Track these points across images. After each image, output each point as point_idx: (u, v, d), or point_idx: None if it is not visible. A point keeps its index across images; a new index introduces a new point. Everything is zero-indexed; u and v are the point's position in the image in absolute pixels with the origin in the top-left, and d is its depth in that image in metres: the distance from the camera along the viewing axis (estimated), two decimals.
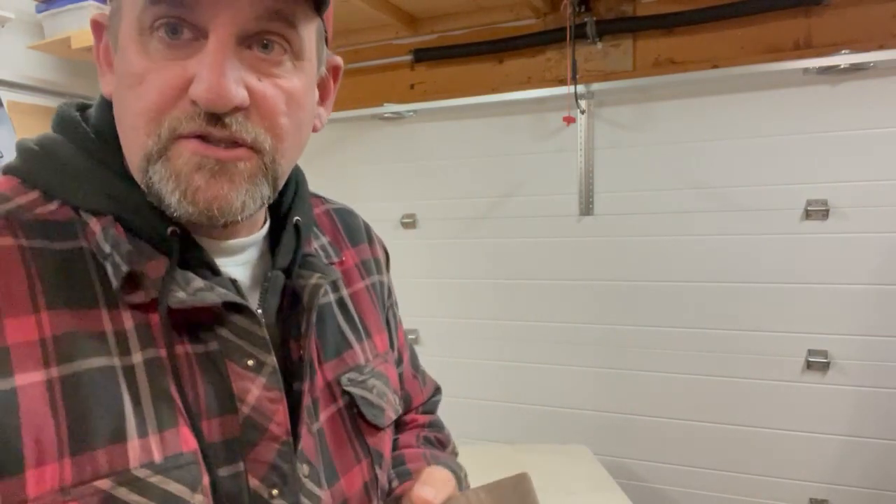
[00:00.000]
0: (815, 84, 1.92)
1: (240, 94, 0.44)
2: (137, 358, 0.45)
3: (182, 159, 0.44)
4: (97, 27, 0.51)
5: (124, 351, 0.44)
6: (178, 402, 0.45)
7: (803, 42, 1.93)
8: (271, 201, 0.51)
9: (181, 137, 0.44)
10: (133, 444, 0.42)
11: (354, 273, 0.67)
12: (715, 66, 2.01)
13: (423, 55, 2.36)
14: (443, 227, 2.43)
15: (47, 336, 0.42)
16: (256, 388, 0.48)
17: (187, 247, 0.49)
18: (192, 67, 0.43)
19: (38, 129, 2.47)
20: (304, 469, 0.50)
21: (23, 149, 0.50)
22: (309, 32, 0.48)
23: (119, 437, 0.42)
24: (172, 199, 0.45)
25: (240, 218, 0.47)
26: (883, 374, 1.91)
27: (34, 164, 0.48)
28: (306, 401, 0.52)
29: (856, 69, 1.84)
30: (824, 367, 1.96)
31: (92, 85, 2.73)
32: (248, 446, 0.47)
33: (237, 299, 0.48)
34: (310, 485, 0.51)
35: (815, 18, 1.91)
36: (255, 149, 0.46)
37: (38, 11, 2.25)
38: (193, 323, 0.48)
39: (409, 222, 2.46)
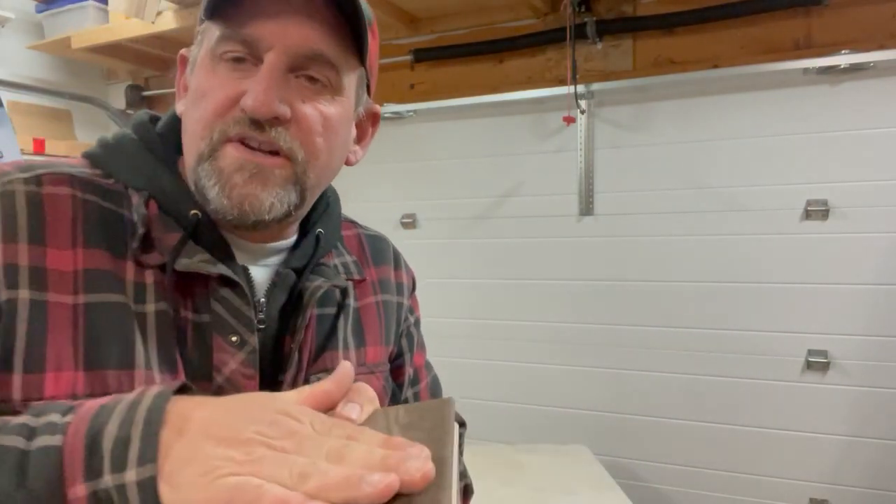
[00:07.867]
0: (815, 84, 1.92)
1: (281, 108, 0.52)
2: (150, 308, 0.52)
3: (227, 160, 0.53)
4: (182, 61, 0.61)
5: (140, 299, 0.52)
6: (178, 354, 0.52)
7: (803, 42, 1.93)
8: (299, 211, 0.58)
9: (228, 141, 0.53)
10: (139, 374, 0.49)
11: (369, 288, 0.71)
12: (715, 66, 2.01)
13: (423, 55, 2.36)
14: (443, 227, 2.43)
15: (79, 269, 0.50)
16: (234, 363, 0.54)
17: (212, 233, 0.56)
18: (246, 85, 0.52)
19: (38, 128, 2.46)
20: None
21: (100, 140, 0.60)
22: (350, 77, 0.58)
23: (127, 364, 0.49)
24: (213, 193, 0.53)
25: (266, 217, 0.54)
26: (883, 374, 1.90)
27: (104, 152, 0.58)
28: (284, 389, 0.53)
29: (856, 69, 1.84)
30: (824, 367, 1.96)
31: (91, 85, 2.73)
32: None
33: (230, 274, 0.54)
34: None
35: (815, 18, 1.91)
36: (289, 158, 0.54)
37: (38, 11, 2.25)
38: (196, 293, 0.54)
39: (408, 222, 2.46)
